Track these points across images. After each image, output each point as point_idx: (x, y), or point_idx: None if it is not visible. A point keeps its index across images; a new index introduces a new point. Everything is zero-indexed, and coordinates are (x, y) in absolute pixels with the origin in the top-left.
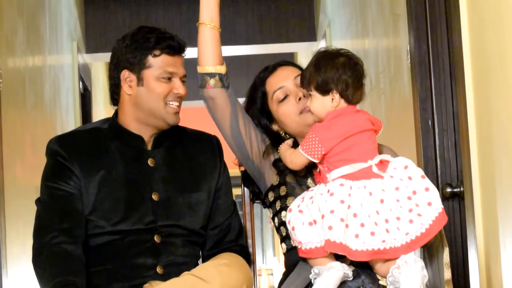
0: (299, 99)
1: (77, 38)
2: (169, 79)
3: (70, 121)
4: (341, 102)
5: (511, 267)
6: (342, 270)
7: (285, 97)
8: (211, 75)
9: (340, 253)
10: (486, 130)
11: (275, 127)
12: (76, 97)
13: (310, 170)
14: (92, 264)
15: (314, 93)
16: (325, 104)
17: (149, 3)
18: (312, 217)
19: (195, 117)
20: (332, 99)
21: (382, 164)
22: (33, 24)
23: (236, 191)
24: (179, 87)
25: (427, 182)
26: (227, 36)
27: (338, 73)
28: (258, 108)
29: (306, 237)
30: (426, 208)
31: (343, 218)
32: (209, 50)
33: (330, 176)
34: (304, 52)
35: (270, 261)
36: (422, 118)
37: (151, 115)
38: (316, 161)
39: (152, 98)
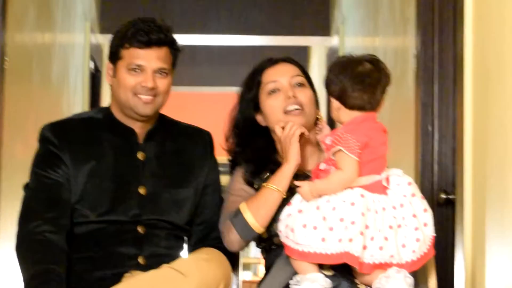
0: (289, 98)
1: (91, 18)
2: (140, 71)
3: (78, 102)
4: (343, 109)
5: (495, 277)
6: (325, 286)
7: (274, 91)
8: (254, 234)
9: (352, 265)
10: (481, 139)
11: (259, 117)
12: (86, 78)
13: None
14: (75, 250)
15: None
16: (333, 109)
17: None
18: (326, 222)
19: (189, 102)
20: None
21: (387, 180)
22: (44, 2)
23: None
24: (147, 80)
25: (426, 203)
26: (240, 26)
27: (334, 75)
28: (250, 97)
29: (306, 240)
30: (426, 228)
31: (362, 231)
32: (267, 214)
33: None
34: (317, 47)
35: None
36: (422, 123)
37: (123, 105)
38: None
39: (121, 89)
